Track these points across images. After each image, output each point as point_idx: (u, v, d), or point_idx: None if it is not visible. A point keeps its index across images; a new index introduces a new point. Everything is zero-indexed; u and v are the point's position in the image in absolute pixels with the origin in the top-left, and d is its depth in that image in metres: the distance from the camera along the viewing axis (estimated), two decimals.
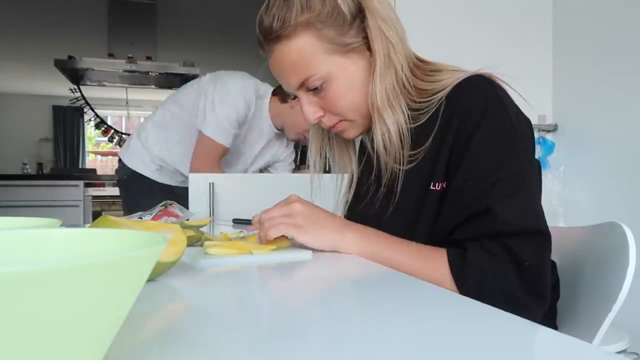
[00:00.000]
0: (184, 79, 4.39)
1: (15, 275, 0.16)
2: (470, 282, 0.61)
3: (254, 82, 1.75)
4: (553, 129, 2.19)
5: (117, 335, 0.23)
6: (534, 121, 2.34)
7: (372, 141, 0.78)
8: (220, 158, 1.68)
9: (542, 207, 0.65)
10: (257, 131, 1.80)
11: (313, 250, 0.69)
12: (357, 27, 0.71)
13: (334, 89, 0.73)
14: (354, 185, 0.87)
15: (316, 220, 0.70)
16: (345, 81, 0.73)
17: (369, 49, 0.73)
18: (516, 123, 0.66)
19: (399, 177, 0.74)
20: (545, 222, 0.64)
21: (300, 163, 4.30)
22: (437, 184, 0.70)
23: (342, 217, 0.84)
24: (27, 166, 6.07)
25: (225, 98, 1.63)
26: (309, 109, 0.76)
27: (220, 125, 1.63)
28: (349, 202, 0.88)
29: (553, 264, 0.78)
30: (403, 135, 0.73)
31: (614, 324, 0.62)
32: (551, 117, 2.22)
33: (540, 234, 0.62)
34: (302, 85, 0.73)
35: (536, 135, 2.19)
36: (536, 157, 0.69)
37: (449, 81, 0.71)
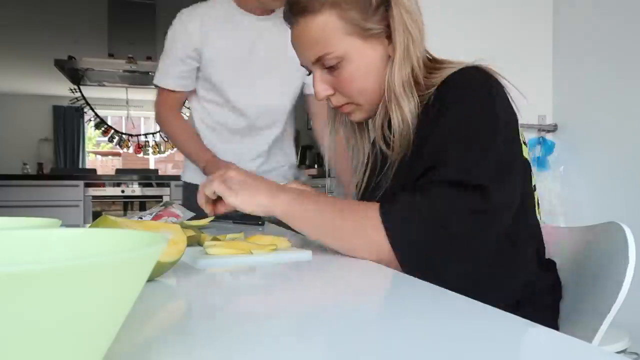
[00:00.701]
0: None
1: (15, 275, 0.16)
2: (393, 216, 0.63)
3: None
4: (553, 129, 2.19)
5: (117, 335, 0.23)
6: (534, 121, 2.35)
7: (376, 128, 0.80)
8: (174, 104, 1.51)
9: (511, 181, 0.65)
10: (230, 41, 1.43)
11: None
12: (380, 15, 0.73)
13: (348, 70, 0.74)
14: (369, 165, 0.88)
15: (249, 185, 0.71)
16: (360, 64, 0.74)
17: (388, 37, 0.74)
18: (498, 112, 0.66)
19: (391, 163, 0.75)
20: (503, 190, 0.63)
21: (301, 163, 4.31)
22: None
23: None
24: (27, 166, 6.07)
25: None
26: (321, 86, 0.78)
27: (158, 70, 1.49)
28: (364, 184, 0.87)
29: (553, 263, 0.78)
30: (412, 124, 0.74)
31: (614, 323, 0.62)
32: (551, 117, 2.22)
33: (476, 188, 0.62)
34: (318, 60, 0.75)
35: (536, 135, 2.20)
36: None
37: (445, 73, 0.72)
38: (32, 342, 0.18)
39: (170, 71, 1.46)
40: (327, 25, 0.72)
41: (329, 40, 0.72)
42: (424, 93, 0.73)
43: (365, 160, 0.87)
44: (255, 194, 0.70)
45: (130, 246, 0.28)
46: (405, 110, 0.73)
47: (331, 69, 0.75)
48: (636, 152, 1.81)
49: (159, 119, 1.54)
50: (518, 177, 0.68)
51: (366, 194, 0.85)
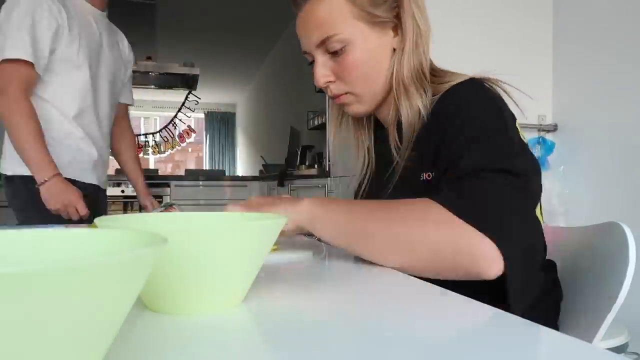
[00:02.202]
0: (184, 79, 4.40)
1: (16, 276, 0.16)
2: (469, 207, 0.56)
3: None
4: (553, 129, 2.19)
5: (117, 335, 0.23)
6: (534, 121, 2.35)
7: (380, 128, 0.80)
8: (30, 84, 1.33)
9: (526, 158, 0.63)
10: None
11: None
12: (389, 5, 0.73)
13: (352, 55, 0.74)
14: (371, 165, 0.87)
15: (268, 201, 0.67)
16: (364, 51, 0.74)
17: (394, 30, 0.75)
18: (503, 110, 0.66)
19: (396, 165, 0.74)
20: (524, 163, 0.62)
21: (300, 163, 4.31)
22: (425, 174, 0.70)
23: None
24: None
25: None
26: (321, 72, 0.77)
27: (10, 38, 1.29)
28: (366, 183, 0.86)
29: (553, 264, 0.78)
30: (419, 120, 0.73)
31: (613, 320, 0.62)
32: (551, 117, 2.22)
33: (515, 173, 0.59)
34: (322, 43, 0.74)
35: (536, 135, 2.20)
36: (536, 156, 0.69)
37: (446, 85, 0.72)
38: (32, 342, 0.18)
39: (28, 42, 1.28)
40: (334, 7, 0.72)
41: (335, 22, 0.72)
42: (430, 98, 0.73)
43: (366, 160, 0.87)
44: (277, 208, 0.65)
45: (130, 246, 0.28)
46: (415, 103, 0.72)
47: (334, 54, 0.74)
48: (636, 152, 1.81)
49: (4, 99, 1.28)
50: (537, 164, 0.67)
51: (370, 195, 0.85)
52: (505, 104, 0.70)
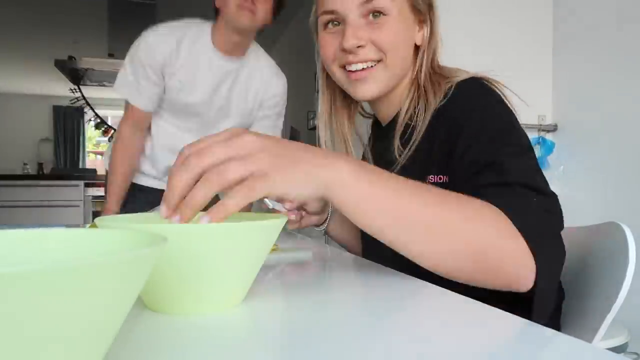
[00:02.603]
0: None
1: (16, 275, 0.16)
2: (528, 223, 0.53)
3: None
4: (553, 129, 2.19)
5: (117, 335, 0.23)
6: (534, 121, 2.35)
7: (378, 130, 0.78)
8: (143, 123, 1.46)
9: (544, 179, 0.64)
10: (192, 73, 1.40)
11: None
12: (426, 5, 0.76)
13: (391, 24, 0.73)
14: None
15: (287, 154, 0.45)
16: (400, 28, 0.74)
17: (419, 24, 0.77)
18: (509, 107, 0.68)
19: (396, 166, 0.73)
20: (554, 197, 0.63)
21: None
22: (433, 177, 0.69)
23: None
24: (28, 166, 6.07)
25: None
26: (353, 33, 0.72)
27: (127, 83, 1.43)
28: None
29: None
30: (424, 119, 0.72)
31: (613, 320, 0.62)
32: (551, 117, 2.22)
33: (550, 195, 0.61)
34: (366, 3, 0.71)
35: (536, 135, 2.20)
36: (536, 156, 0.69)
37: (448, 85, 0.72)
38: (32, 341, 0.18)
39: (142, 90, 1.41)
40: None
41: None
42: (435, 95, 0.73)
43: (367, 159, 0.86)
44: (305, 167, 0.45)
45: (130, 246, 0.28)
46: (431, 102, 0.72)
47: (373, 17, 0.72)
48: (636, 152, 1.80)
49: (121, 135, 1.45)
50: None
51: None
52: (507, 105, 0.70)
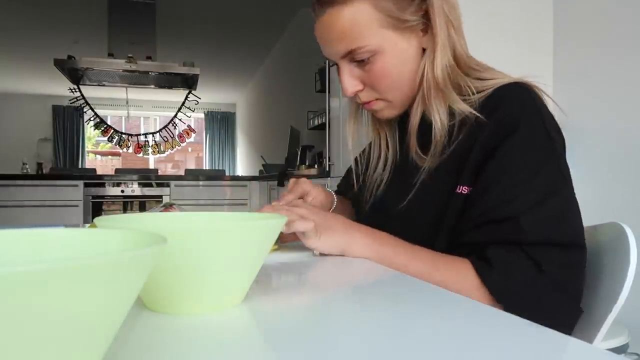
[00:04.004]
0: (184, 79, 4.40)
1: (16, 276, 0.16)
2: (502, 289, 0.58)
3: None
4: None
5: (116, 335, 0.23)
6: None
7: (404, 127, 0.76)
8: None
9: (579, 219, 0.62)
10: None
11: (318, 254, 0.68)
12: (417, 5, 0.68)
13: (381, 64, 0.69)
14: (381, 166, 0.84)
15: (325, 220, 0.66)
16: (394, 58, 0.69)
17: (423, 30, 0.70)
18: (552, 135, 0.64)
19: (423, 170, 0.71)
20: (580, 234, 0.61)
21: (300, 163, 4.31)
22: (463, 187, 0.67)
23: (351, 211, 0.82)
24: (27, 166, 6.08)
25: None
26: (350, 81, 0.72)
27: None
28: (375, 185, 0.83)
29: None
30: (451, 123, 0.69)
31: (614, 320, 0.62)
32: None
33: (570, 247, 0.59)
34: (348, 54, 0.69)
35: None
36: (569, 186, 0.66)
37: (488, 83, 0.69)
38: (32, 341, 0.17)
39: None
40: (359, 17, 0.66)
41: (361, 32, 0.67)
42: (467, 98, 0.69)
43: (381, 160, 0.83)
44: (333, 233, 0.66)
45: (130, 246, 0.28)
46: (451, 105, 0.68)
47: (361, 62, 0.70)
48: (636, 152, 1.81)
49: None
50: (577, 207, 0.64)
51: (376, 196, 0.82)
52: (553, 120, 0.67)
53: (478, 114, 0.66)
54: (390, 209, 0.74)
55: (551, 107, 0.71)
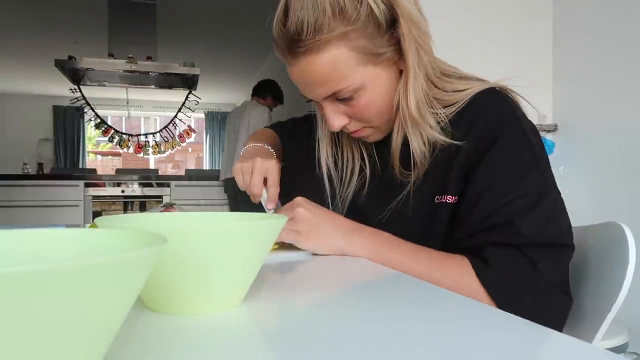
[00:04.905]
0: (184, 79, 4.39)
1: (16, 276, 0.16)
2: (499, 287, 0.61)
3: None
4: (553, 129, 2.19)
5: (117, 335, 0.23)
6: (534, 121, 2.35)
7: (385, 147, 0.78)
8: None
9: (567, 218, 0.65)
10: None
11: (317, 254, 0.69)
12: (389, 35, 0.66)
13: (364, 98, 0.69)
14: (356, 179, 0.84)
15: (319, 226, 0.69)
16: (375, 89, 0.70)
17: (399, 53, 0.69)
18: (531, 139, 0.66)
19: (410, 186, 0.73)
20: (569, 234, 0.64)
21: None
22: (445, 197, 0.69)
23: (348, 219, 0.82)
24: (27, 166, 6.07)
25: None
26: (335, 118, 0.72)
27: None
28: (347, 201, 0.84)
29: None
30: (430, 145, 0.71)
31: (613, 320, 0.63)
32: (551, 117, 2.22)
33: (561, 246, 0.63)
34: (332, 95, 0.69)
35: None
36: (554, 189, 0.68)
37: (464, 94, 0.70)
38: (32, 341, 0.18)
39: None
40: (337, 60, 0.65)
41: (342, 75, 0.66)
42: (444, 111, 0.71)
43: (354, 174, 0.84)
44: (329, 237, 0.68)
45: (130, 246, 0.28)
46: (425, 133, 0.70)
47: (344, 99, 0.70)
48: (636, 152, 1.80)
49: None
50: (564, 206, 0.67)
51: (353, 210, 0.83)
52: (530, 123, 0.70)
53: (452, 141, 0.69)
54: (369, 220, 0.75)
55: (526, 108, 0.73)
